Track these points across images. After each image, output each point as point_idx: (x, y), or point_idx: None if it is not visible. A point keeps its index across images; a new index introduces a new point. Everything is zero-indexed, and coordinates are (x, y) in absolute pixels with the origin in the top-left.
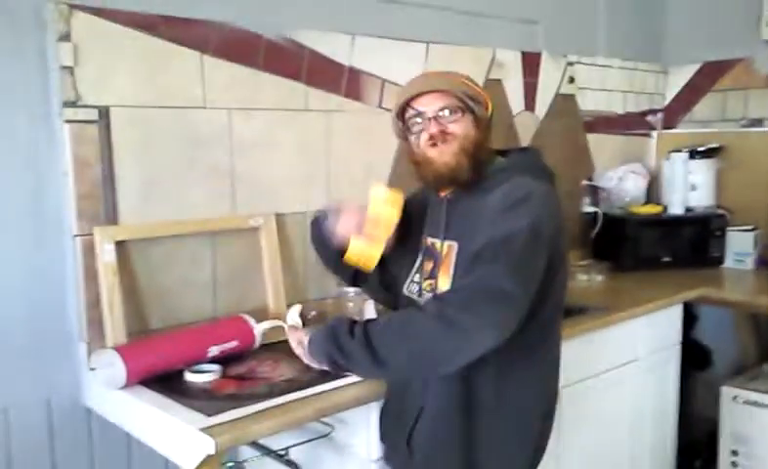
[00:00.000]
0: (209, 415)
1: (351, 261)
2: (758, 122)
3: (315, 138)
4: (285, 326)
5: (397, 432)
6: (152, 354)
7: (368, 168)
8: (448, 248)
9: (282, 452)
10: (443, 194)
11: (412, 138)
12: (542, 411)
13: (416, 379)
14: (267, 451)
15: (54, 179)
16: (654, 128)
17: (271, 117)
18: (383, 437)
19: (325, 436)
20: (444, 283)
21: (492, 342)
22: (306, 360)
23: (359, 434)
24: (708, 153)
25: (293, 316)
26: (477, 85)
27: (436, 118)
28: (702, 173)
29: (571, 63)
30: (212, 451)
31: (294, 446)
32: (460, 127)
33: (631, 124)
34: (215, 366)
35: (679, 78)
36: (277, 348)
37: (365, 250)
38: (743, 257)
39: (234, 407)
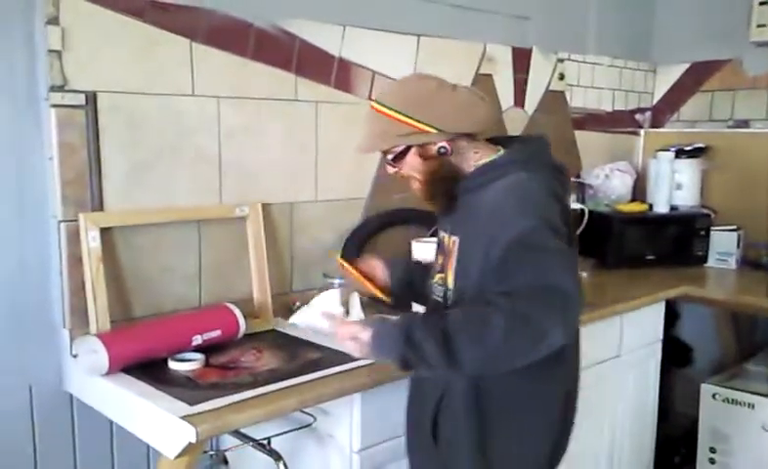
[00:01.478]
0: (191, 404)
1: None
2: (745, 123)
3: (303, 128)
4: (322, 315)
5: (420, 420)
6: (136, 341)
7: (357, 160)
8: (452, 243)
9: (264, 442)
10: None
11: None
12: (564, 392)
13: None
14: (249, 441)
15: (39, 164)
16: (641, 126)
17: (259, 106)
18: (408, 427)
19: (308, 426)
20: (449, 275)
21: (564, 341)
22: (360, 354)
23: (341, 424)
24: (694, 153)
25: (333, 303)
26: (413, 115)
27: (386, 161)
28: (687, 173)
29: (561, 60)
30: (193, 439)
31: (276, 435)
32: (406, 168)
33: (619, 122)
34: (198, 355)
35: (667, 78)
36: (262, 338)
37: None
38: (726, 257)
39: (217, 396)
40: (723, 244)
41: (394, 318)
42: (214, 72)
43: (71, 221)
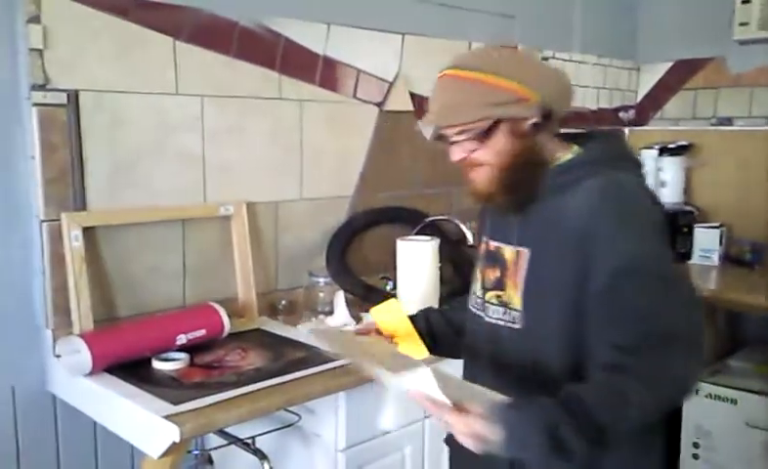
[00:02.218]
0: (175, 403)
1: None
2: (728, 121)
3: (288, 127)
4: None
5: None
6: (119, 341)
7: (342, 159)
8: (518, 255)
9: (249, 441)
10: None
11: None
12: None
13: None
14: (234, 440)
15: (21, 163)
16: (625, 124)
17: (244, 105)
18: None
19: (292, 425)
20: (513, 294)
21: (694, 388)
22: (481, 450)
23: (326, 423)
24: (678, 151)
25: (427, 384)
26: (509, 76)
27: (458, 142)
28: (671, 170)
29: (546, 58)
30: (177, 439)
31: (261, 434)
32: (485, 152)
33: (604, 120)
34: (183, 355)
35: (651, 76)
36: (247, 337)
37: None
38: (708, 253)
39: (201, 396)
40: (706, 241)
41: (516, 402)
42: (198, 71)
43: (54, 220)
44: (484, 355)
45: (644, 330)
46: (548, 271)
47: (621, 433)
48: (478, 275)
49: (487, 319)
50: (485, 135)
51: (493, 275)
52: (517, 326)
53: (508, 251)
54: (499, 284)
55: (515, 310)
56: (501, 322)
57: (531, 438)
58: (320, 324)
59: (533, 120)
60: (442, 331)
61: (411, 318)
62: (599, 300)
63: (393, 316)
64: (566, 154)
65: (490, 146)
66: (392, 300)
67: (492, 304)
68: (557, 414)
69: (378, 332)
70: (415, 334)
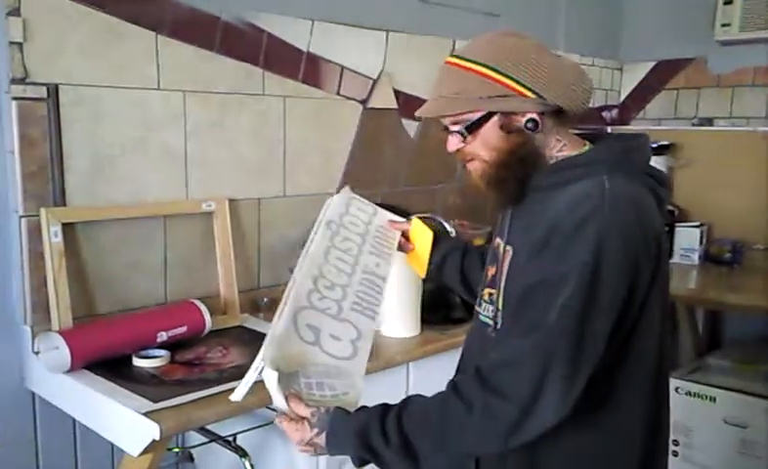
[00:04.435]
0: (155, 400)
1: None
2: (709, 121)
3: (271, 123)
4: (278, 410)
5: None
6: (99, 338)
7: (326, 156)
8: (506, 253)
9: (230, 439)
10: None
11: None
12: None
13: None
14: (215, 437)
15: None
16: (608, 124)
17: (226, 101)
18: None
19: (273, 422)
20: (501, 297)
21: (544, 427)
22: (314, 454)
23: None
24: (660, 151)
25: (278, 398)
26: (506, 70)
27: (452, 133)
28: None
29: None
30: (157, 436)
31: (242, 432)
32: (477, 145)
33: (586, 119)
34: (163, 352)
35: (634, 75)
36: (228, 334)
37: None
38: (689, 252)
39: (182, 393)
40: (687, 240)
41: (345, 410)
42: (180, 66)
43: (33, 216)
44: (473, 350)
45: (510, 350)
46: (519, 271)
47: (445, 455)
48: (484, 273)
49: (480, 315)
50: (476, 127)
51: (491, 272)
52: (499, 325)
53: (500, 247)
54: (493, 282)
55: (498, 310)
56: (488, 320)
57: (350, 444)
58: None
59: (530, 117)
60: (451, 275)
61: (434, 245)
62: (520, 299)
63: (423, 236)
64: (574, 150)
65: (481, 138)
66: (428, 229)
67: (485, 301)
68: (374, 423)
69: (404, 236)
70: (426, 259)
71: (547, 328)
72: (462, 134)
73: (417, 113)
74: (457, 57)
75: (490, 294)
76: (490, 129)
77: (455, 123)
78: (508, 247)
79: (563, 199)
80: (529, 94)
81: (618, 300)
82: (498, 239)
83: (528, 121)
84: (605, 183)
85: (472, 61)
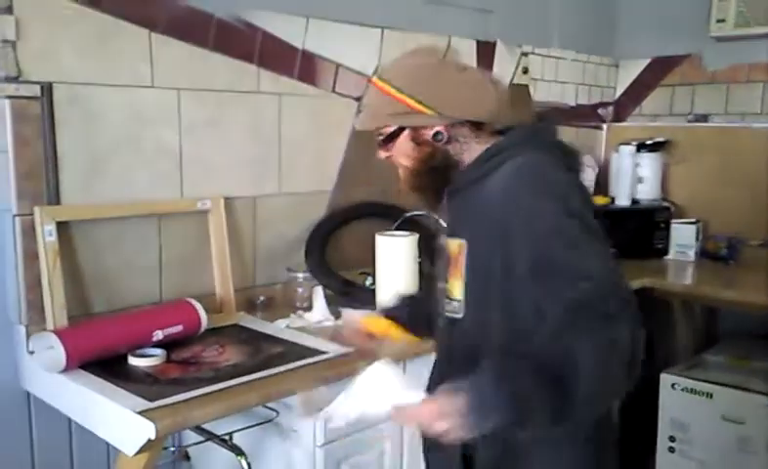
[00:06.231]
0: (151, 399)
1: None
2: (704, 118)
3: (266, 121)
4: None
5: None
6: (94, 337)
7: (321, 154)
8: (459, 247)
9: (226, 437)
10: None
11: None
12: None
13: None
14: (211, 436)
15: None
16: (604, 121)
17: (221, 99)
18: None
19: (270, 421)
20: (455, 287)
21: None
22: (453, 435)
23: (303, 419)
24: (656, 147)
25: (387, 379)
26: (408, 91)
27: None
28: (649, 166)
29: (525, 54)
30: (153, 435)
31: (239, 430)
32: (396, 153)
33: (582, 116)
34: (159, 351)
35: (629, 72)
36: (224, 332)
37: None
38: (685, 249)
39: (178, 392)
40: (683, 237)
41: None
42: (174, 64)
43: (27, 215)
44: (442, 347)
45: (582, 287)
46: (483, 254)
47: (586, 398)
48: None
49: (444, 312)
50: (390, 139)
51: (443, 268)
52: (459, 316)
53: (449, 244)
54: (444, 277)
55: (456, 300)
56: (449, 314)
57: (495, 399)
58: (297, 319)
59: (437, 130)
60: (418, 320)
61: (392, 313)
62: (532, 272)
63: (379, 323)
64: (492, 145)
65: (397, 149)
66: (375, 315)
67: (443, 296)
68: (514, 369)
69: (369, 334)
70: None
71: (572, 273)
72: (380, 145)
73: (353, 124)
74: (377, 76)
75: (445, 288)
76: (403, 142)
77: (379, 135)
78: (460, 241)
79: (499, 178)
80: (427, 111)
81: (594, 222)
82: (444, 237)
83: (435, 134)
84: (533, 155)
85: (385, 80)
